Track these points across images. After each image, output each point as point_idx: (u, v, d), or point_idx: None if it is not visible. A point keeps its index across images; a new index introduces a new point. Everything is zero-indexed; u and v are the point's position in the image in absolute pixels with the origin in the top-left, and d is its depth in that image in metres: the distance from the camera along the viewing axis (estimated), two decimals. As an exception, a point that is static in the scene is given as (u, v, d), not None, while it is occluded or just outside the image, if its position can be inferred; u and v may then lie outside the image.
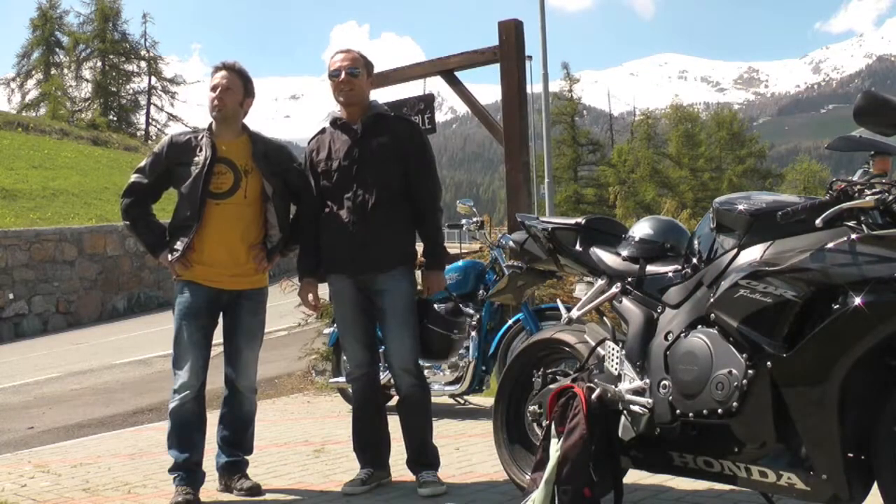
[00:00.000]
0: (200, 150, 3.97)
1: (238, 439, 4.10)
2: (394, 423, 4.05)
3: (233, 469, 4.06)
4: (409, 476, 3.98)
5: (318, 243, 3.99)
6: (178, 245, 3.93)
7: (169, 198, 4.15)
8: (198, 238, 3.92)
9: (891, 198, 2.50)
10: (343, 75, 3.92)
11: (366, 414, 4.05)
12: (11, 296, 15.80)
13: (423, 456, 3.94)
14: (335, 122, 4.04)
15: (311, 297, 4.06)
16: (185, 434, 3.92)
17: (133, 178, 4.08)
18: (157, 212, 4.15)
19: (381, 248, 3.85)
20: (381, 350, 4.33)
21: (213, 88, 4.01)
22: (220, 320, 4.09)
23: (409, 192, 3.93)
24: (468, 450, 4.68)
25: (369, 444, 4.04)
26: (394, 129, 3.97)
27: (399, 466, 4.04)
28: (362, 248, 3.84)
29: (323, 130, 4.09)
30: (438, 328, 4.11)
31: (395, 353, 3.93)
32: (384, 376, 4.66)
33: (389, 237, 3.87)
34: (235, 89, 4.02)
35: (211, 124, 4.08)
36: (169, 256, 3.96)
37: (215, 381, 4.27)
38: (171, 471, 3.94)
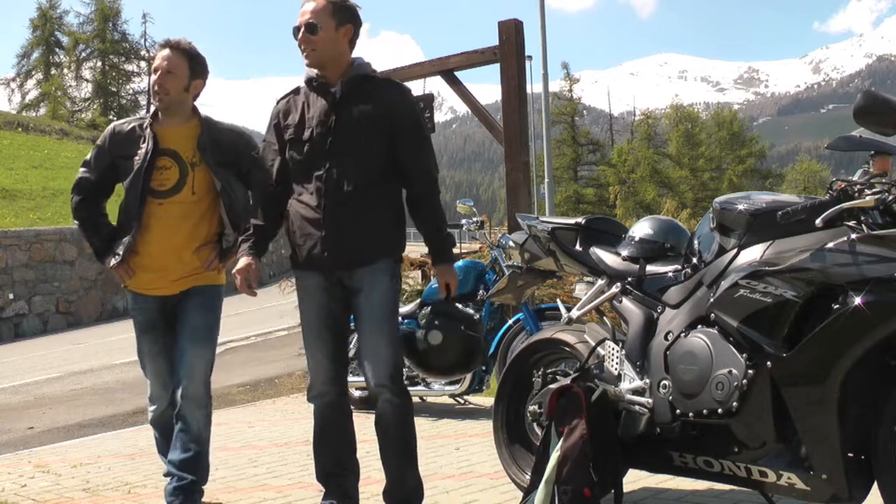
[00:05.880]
0: (144, 140, 3.55)
1: (185, 460, 3.46)
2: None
3: (179, 495, 3.43)
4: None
5: (269, 221, 3.34)
6: (120, 249, 3.55)
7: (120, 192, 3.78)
8: (140, 241, 3.54)
9: (891, 198, 2.50)
10: (300, 34, 3.19)
11: (326, 441, 3.33)
12: (11, 296, 15.83)
13: (397, 490, 3.27)
14: (311, 82, 3.28)
15: (249, 276, 3.25)
16: (170, 440, 3.68)
17: (79, 172, 3.68)
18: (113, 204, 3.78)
19: (361, 237, 3.15)
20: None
21: (154, 71, 3.57)
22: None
23: (397, 170, 3.23)
24: (468, 450, 4.68)
25: (331, 476, 3.33)
26: (380, 94, 3.23)
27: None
28: (337, 239, 3.15)
29: (297, 90, 3.35)
30: (472, 331, 3.83)
31: (368, 365, 3.20)
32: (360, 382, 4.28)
33: (370, 225, 3.17)
34: (178, 72, 3.55)
35: (156, 111, 3.64)
36: (112, 262, 3.58)
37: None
38: (165, 475, 3.92)
